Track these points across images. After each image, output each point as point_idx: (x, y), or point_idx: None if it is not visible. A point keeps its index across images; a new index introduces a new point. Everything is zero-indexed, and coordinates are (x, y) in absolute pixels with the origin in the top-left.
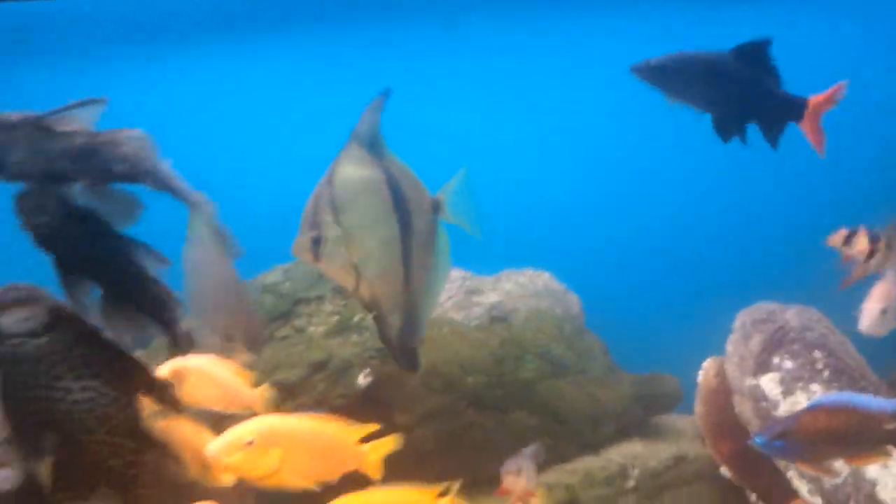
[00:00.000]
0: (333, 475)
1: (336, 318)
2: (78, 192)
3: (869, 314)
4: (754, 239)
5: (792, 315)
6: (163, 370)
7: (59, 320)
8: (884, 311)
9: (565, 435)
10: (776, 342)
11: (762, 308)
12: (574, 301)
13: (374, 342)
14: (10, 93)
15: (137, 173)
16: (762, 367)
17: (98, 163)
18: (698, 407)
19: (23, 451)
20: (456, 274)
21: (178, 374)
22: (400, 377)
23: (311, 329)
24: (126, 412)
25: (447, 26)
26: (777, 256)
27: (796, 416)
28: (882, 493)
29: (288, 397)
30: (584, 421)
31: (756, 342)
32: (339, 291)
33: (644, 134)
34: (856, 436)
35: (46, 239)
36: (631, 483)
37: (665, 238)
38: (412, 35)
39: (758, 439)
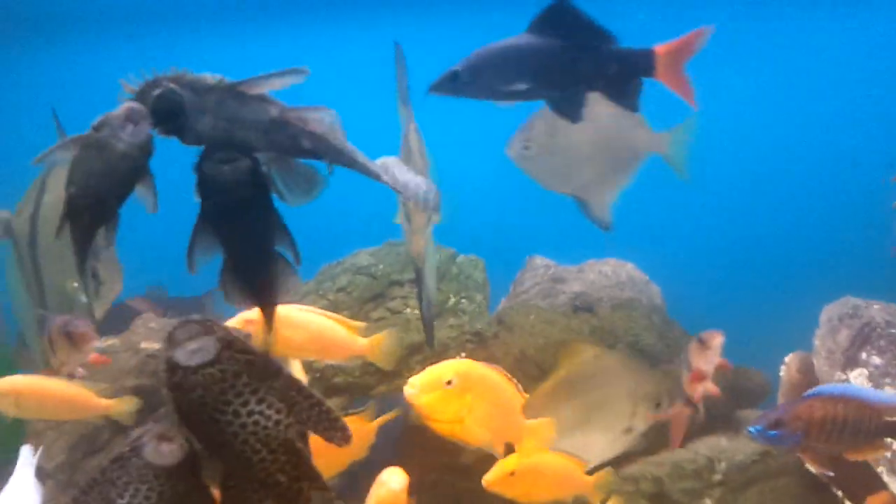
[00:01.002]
0: (499, 440)
1: None
2: (262, 162)
3: None
4: (834, 232)
5: (877, 311)
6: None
7: (228, 351)
8: None
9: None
10: (864, 338)
11: (848, 302)
12: (656, 292)
13: (471, 326)
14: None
15: (324, 150)
16: (851, 361)
17: (286, 136)
18: (782, 402)
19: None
20: (540, 262)
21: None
22: (492, 362)
23: (408, 311)
24: (287, 433)
25: None
26: (856, 250)
27: (792, 405)
28: None
29: (384, 378)
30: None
31: (844, 337)
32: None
33: (731, 122)
34: (853, 426)
35: (214, 188)
36: (718, 476)
37: (743, 231)
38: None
39: (752, 428)
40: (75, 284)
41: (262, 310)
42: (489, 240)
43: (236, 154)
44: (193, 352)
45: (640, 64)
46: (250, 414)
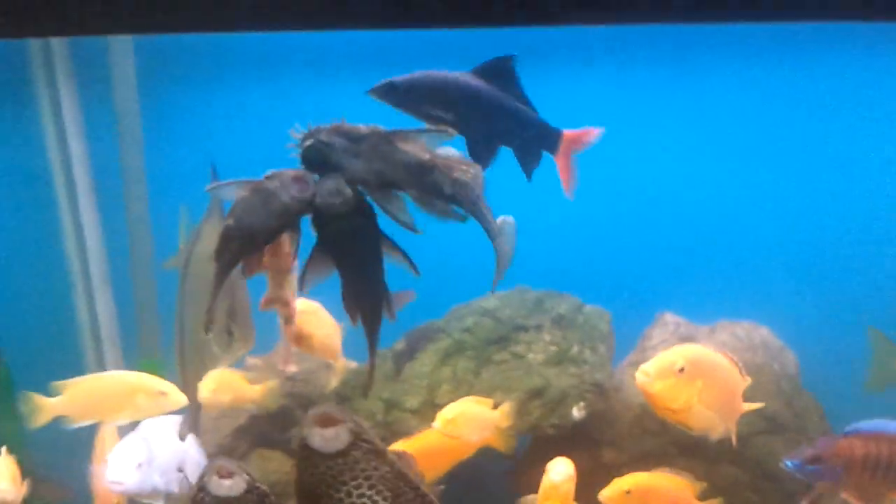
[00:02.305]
0: (717, 426)
1: (555, 348)
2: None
3: None
4: None
5: None
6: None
7: (357, 441)
8: None
9: (774, 495)
10: None
11: None
12: (791, 359)
13: (591, 376)
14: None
15: (461, 199)
16: None
17: (431, 180)
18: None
19: None
20: (670, 318)
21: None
22: (612, 415)
23: (530, 356)
24: None
25: None
26: None
27: (832, 441)
28: None
29: None
30: (798, 482)
31: None
32: (558, 322)
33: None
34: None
35: (325, 220)
36: None
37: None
38: None
39: (789, 462)
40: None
41: (367, 330)
42: (620, 293)
43: (344, 187)
44: (327, 439)
45: (549, 139)
46: (360, 497)
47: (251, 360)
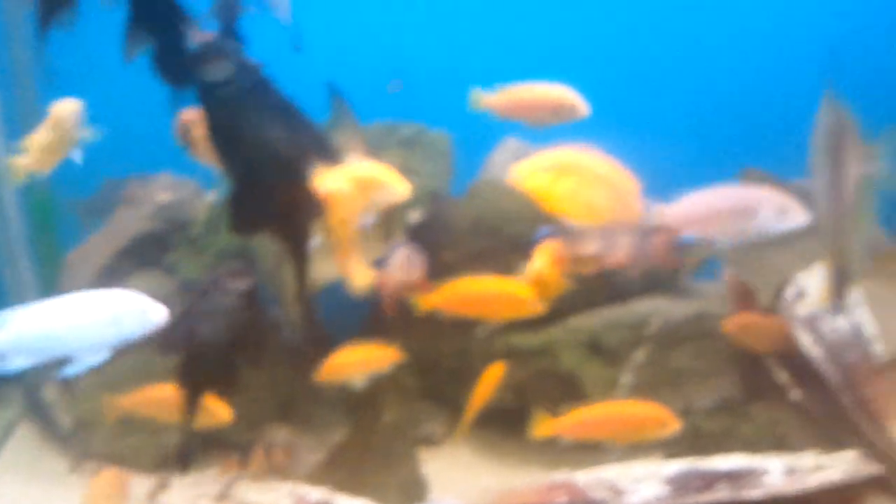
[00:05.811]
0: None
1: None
2: None
3: None
4: None
5: None
6: None
7: None
8: None
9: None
10: None
11: None
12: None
13: (430, 185)
14: None
15: None
16: None
17: None
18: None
19: None
20: (513, 144)
21: None
22: (453, 222)
23: None
24: None
25: None
26: None
27: None
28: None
29: None
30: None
31: None
32: (404, 143)
33: None
34: None
35: None
36: (651, 330)
37: None
38: None
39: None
40: None
41: None
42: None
43: None
44: None
45: None
46: None
47: None
